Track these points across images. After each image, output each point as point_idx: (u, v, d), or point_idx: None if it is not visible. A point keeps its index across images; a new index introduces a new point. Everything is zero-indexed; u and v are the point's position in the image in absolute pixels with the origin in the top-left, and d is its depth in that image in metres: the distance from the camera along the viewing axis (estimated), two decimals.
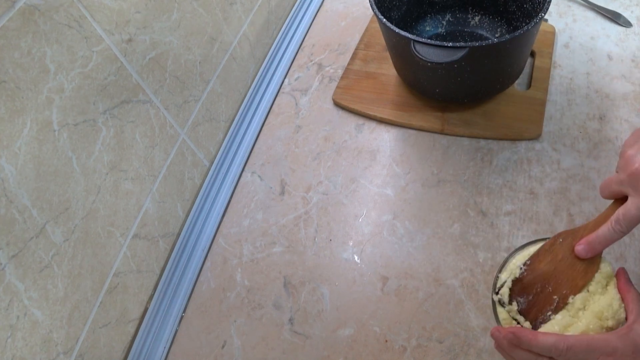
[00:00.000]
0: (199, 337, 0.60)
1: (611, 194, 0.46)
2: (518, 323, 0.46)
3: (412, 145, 0.70)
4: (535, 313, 0.46)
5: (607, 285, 0.47)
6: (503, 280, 0.48)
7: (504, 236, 0.60)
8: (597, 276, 0.47)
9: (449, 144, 0.69)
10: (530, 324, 0.46)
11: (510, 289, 0.47)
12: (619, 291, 0.46)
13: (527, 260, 0.48)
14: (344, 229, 0.65)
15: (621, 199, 0.46)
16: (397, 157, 0.70)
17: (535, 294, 0.46)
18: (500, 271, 0.50)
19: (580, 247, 0.46)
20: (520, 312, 0.47)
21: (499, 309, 0.47)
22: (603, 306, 0.45)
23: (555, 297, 0.46)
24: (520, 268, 0.47)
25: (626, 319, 0.44)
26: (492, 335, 0.47)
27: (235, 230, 0.68)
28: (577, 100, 0.70)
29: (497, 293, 0.47)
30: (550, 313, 0.45)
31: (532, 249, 0.50)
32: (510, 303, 0.47)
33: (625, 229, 0.44)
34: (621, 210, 0.44)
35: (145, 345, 0.60)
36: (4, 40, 0.40)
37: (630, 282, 0.46)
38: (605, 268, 0.47)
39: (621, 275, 0.47)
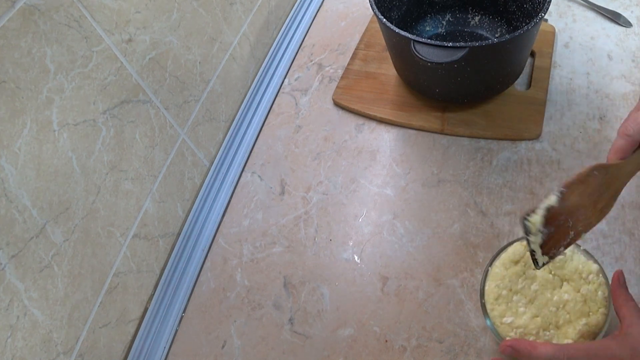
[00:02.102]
0: (199, 337, 0.60)
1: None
2: (533, 254, 0.44)
3: (412, 145, 0.70)
4: (549, 247, 0.44)
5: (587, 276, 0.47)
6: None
7: (504, 236, 0.60)
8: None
9: (449, 144, 0.69)
10: (547, 256, 0.44)
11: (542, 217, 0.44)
12: (612, 295, 0.47)
13: (563, 189, 0.44)
14: (344, 229, 0.65)
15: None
16: (397, 157, 0.70)
17: (557, 226, 0.44)
18: (486, 277, 0.50)
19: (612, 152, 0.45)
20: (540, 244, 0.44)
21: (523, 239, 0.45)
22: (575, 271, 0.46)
23: (571, 232, 0.44)
24: (557, 195, 0.44)
25: (620, 322, 0.44)
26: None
27: (235, 230, 0.68)
28: (577, 100, 0.70)
29: (526, 219, 0.43)
30: (562, 248, 0.44)
31: (512, 250, 0.50)
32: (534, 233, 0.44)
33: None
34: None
35: (145, 345, 0.60)
36: (4, 40, 0.40)
37: (625, 286, 0.47)
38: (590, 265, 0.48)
39: (615, 280, 0.47)
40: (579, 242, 0.48)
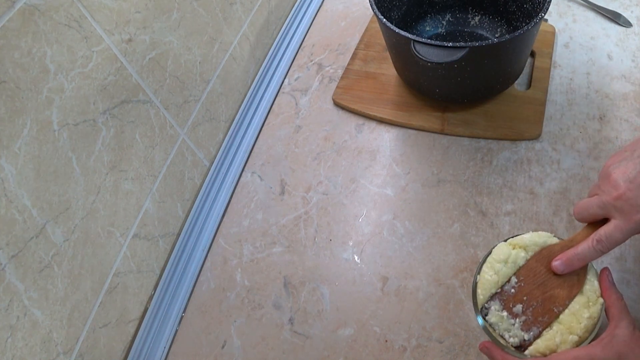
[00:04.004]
0: (199, 337, 0.60)
1: (591, 217, 0.46)
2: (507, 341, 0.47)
3: (412, 145, 0.70)
4: (528, 325, 0.46)
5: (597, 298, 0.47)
6: (484, 300, 0.49)
7: (504, 236, 0.60)
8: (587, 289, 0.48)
9: (449, 144, 0.69)
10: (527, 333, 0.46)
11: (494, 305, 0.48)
12: (602, 294, 0.47)
13: (517, 279, 0.48)
14: (344, 229, 0.65)
15: (599, 222, 0.46)
16: (397, 157, 0.70)
17: (524, 312, 0.47)
18: (476, 284, 0.50)
19: (557, 263, 0.47)
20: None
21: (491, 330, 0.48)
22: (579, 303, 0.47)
23: (542, 317, 0.46)
24: (513, 286, 0.48)
25: (609, 321, 0.45)
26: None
27: (235, 230, 0.68)
28: (577, 100, 0.70)
29: (485, 318, 0.48)
30: (540, 326, 0.46)
31: (498, 251, 0.50)
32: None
33: (605, 250, 0.44)
34: (603, 230, 0.44)
35: (145, 345, 0.60)
36: (4, 40, 0.40)
37: (614, 284, 0.47)
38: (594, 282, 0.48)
39: (604, 278, 0.47)
40: (564, 236, 0.49)
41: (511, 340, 0.46)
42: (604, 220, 0.45)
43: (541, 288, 0.47)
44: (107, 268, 0.54)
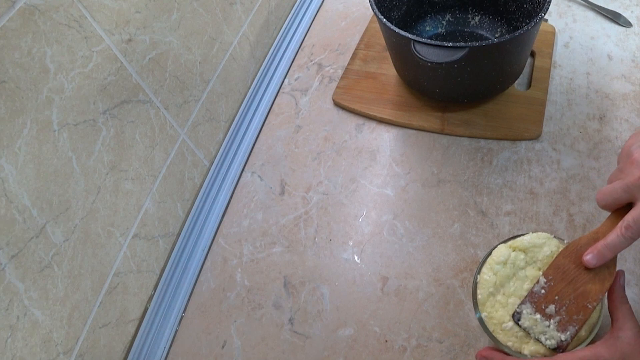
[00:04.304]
0: (199, 337, 0.60)
1: (615, 202, 0.45)
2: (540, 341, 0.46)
3: (412, 145, 0.71)
4: (563, 325, 0.45)
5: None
6: (484, 300, 0.49)
7: (504, 236, 0.60)
8: None
9: (449, 144, 0.69)
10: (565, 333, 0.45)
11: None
12: (609, 294, 0.46)
13: (546, 279, 0.47)
14: (344, 229, 0.65)
15: (623, 209, 0.45)
16: (397, 157, 0.70)
17: (557, 312, 0.46)
18: (477, 284, 0.50)
19: (589, 257, 0.45)
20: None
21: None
22: None
23: (577, 315, 0.45)
24: (543, 286, 0.47)
25: (612, 322, 0.45)
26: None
27: (235, 230, 0.68)
28: (577, 100, 0.70)
29: (518, 321, 0.47)
30: (577, 325, 0.45)
31: (498, 252, 0.50)
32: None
33: (636, 236, 0.42)
34: (630, 216, 0.42)
35: (145, 345, 0.60)
36: (4, 40, 0.40)
37: (623, 287, 0.47)
38: None
39: (617, 280, 0.47)
40: (562, 236, 0.49)
41: (548, 342, 0.45)
42: (628, 208, 0.44)
43: (572, 285, 0.46)
44: (107, 268, 0.54)
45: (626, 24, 0.77)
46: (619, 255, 0.56)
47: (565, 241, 0.51)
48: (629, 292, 0.53)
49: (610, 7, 0.79)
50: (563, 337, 0.44)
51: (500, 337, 0.47)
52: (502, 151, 0.67)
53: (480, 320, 0.48)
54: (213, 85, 0.71)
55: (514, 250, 0.50)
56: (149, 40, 0.56)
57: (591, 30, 0.78)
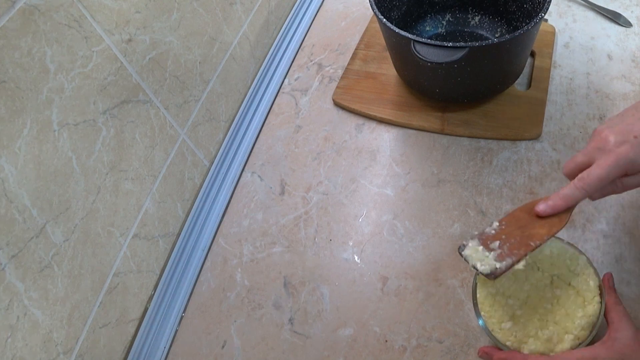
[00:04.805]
0: (199, 337, 0.60)
1: (577, 167, 0.46)
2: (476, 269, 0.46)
3: (412, 145, 0.70)
4: (502, 256, 0.45)
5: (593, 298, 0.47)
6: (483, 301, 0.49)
7: None
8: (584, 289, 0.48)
9: (449, 144, 0.69)
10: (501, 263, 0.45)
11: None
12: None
13: (498, 223, 0.48)
14: (344, 229, 0.65)
15: None
16: (397, 157, 0.70)
17: (500, 247, 0.46)
18: (476, 284, 0.51)
19: (541, 206, 0.46)
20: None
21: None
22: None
23: (518, 250, 0.45)
24: (494, 228, 0.48)
25: (608, 325, 0.45)
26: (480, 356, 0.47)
27: (235, 230, 0.68)
28: (577, 100, 0.70)
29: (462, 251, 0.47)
30: (515, 258, 0.45)
31: None
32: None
33: (587, 188, 0.44)
34: (585, 171, 0.44)
35: (145, 345, 0.60)
36: (4, 40, 0.40)
37: (613, 289, 0.47)
38: (592, 281, 0.48)
39: (606, 282, 0.48)
40: (562, 236, 0.49)
41: (482, 268, 0.45)
42: None
43: (521, 229, 0.47)
44: (107, 268, 0.54)
45: (626, 24, 0.77)
46: (619, 256, 0.56)
47: (564, 241, 0.51)
48: (629, 292, 0.53)
49: (610, 7, 0.79)
50: (498, 265, 0.44)
51: (500, 336, 0.47)
52: (502, 151, 0.67)
53: (481, 321, 0.49)
54: (213, 85, 0.71)
55: None
56: (149, 40, 0.56)
57: (591, 30, 0.78)
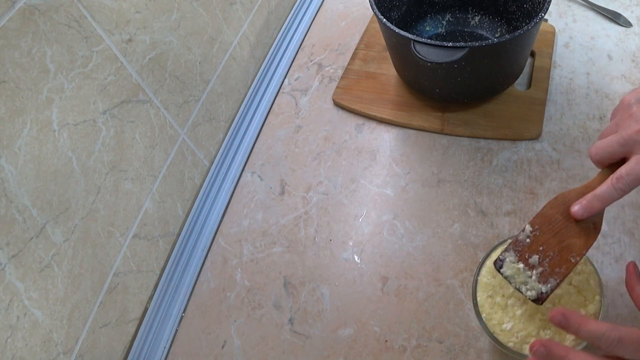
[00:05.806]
0: (199, 337, 0.60)
1: (609, 156, 0.43)
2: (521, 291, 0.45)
3: (412, 145, 0.71)
4: (545, 276, 0.44)
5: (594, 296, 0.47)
6: (483, 301, 0.49)
7: (504, 236, 0.60)
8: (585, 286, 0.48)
9: (449, 144, 0.69)
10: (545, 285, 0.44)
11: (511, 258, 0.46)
12: (628, 288, 0.46)
13: (532, 227, 0.46)
14: (344, 229, 0.65)
15: (615, 164, 0.43)
16: (397, 157, 0.70)
17: (541, 262, 0.45)
18: (477, 285, 0.51)
19: (576, 207, 0.43)
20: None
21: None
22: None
23: (559, 268, 0.44)
24: (528, 235, 0.46)
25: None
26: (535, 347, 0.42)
27: (235, 230, 0.68)
28: (577, 100, 0.70)
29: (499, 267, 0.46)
30: (558, 278, 0.44)
31: (495, 255, 0.50)
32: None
33: (626, 188, 0.41)
34: (624, 168, 0.41)
35: (145, 345, 0.60)
36: (4, 40, 0.40)
37: (637, 276, 0.45)
38: (591, 279, 0.48)
39: (631, 272, 0.45)
40: None
41: (529, 293, 0.44)
42: (620, 164, 0.42)
43: (558, 237, 0.45)
44: (107, 268, 0.54)
45: (626, 24, 0.77)
46: (619, 256, 0.56)
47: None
48: None
49: (610, 7, 0.79)
50: (544, 289, 0.44)
51: (501, 338, 0.47)
52: (502, 151, 0.67)
53: (482, 323, 0.49)
54: (213, 85, 0.71)
55: None
56: (149, 40, 0.56)
57: (591, 30, 0.78)
